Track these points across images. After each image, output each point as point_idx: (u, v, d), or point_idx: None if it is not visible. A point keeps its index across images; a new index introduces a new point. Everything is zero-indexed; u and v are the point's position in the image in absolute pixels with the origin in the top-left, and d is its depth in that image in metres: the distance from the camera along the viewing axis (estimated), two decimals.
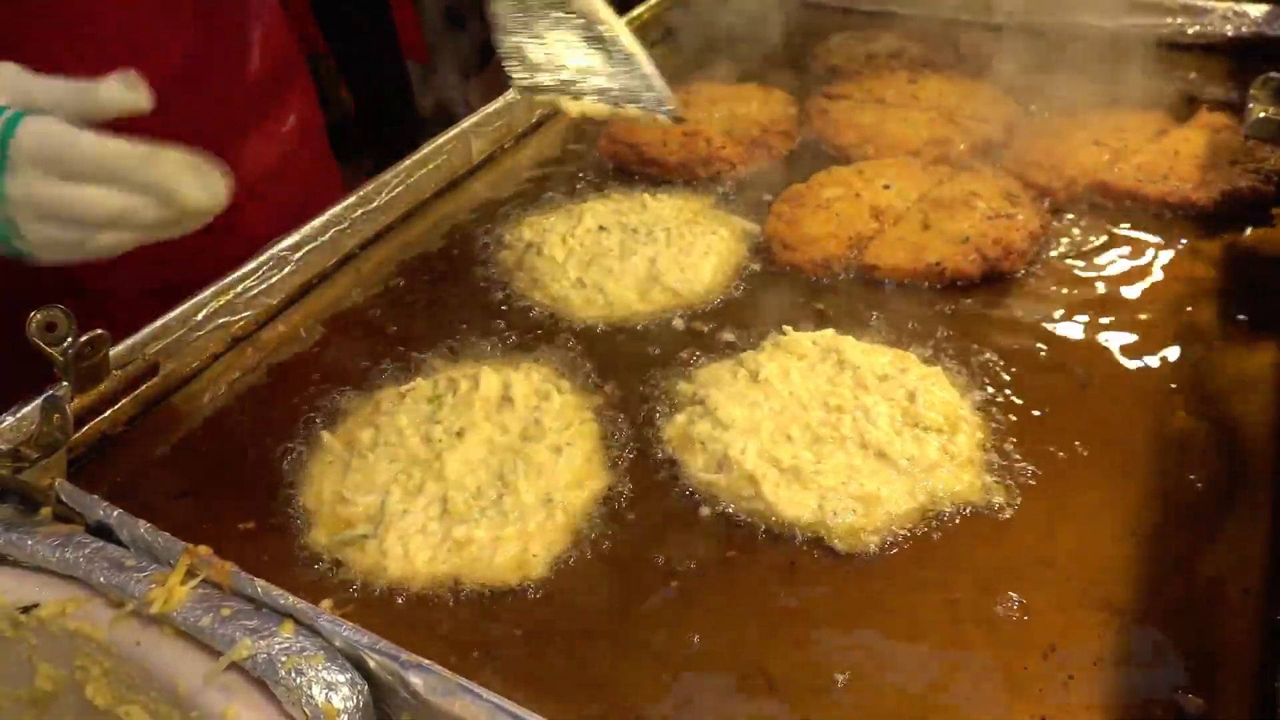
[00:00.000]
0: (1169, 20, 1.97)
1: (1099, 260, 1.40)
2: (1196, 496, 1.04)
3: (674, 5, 2.22)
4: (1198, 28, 1.96)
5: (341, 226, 1.46)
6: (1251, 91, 1.50)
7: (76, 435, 1.13)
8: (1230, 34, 1.94)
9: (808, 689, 0.87)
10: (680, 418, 1.16)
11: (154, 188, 0.91)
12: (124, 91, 0.94)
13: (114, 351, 1.17)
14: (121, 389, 1.19)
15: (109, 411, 1.18)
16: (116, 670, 0.91)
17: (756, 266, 1.43)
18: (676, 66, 2.04)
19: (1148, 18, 1.98)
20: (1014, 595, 0.94)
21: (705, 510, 1.05)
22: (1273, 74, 1.51)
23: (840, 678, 0.88)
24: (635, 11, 2.09)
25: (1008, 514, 1.03)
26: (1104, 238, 1.44)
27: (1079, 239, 1.44)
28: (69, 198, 0.91)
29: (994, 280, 1.36)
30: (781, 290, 1.38)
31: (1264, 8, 1.92)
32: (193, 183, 0.92)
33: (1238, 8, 1.94)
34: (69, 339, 1.08)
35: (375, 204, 1.51)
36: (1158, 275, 1.36)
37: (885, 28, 2.09)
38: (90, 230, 0.93)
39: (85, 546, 0.95)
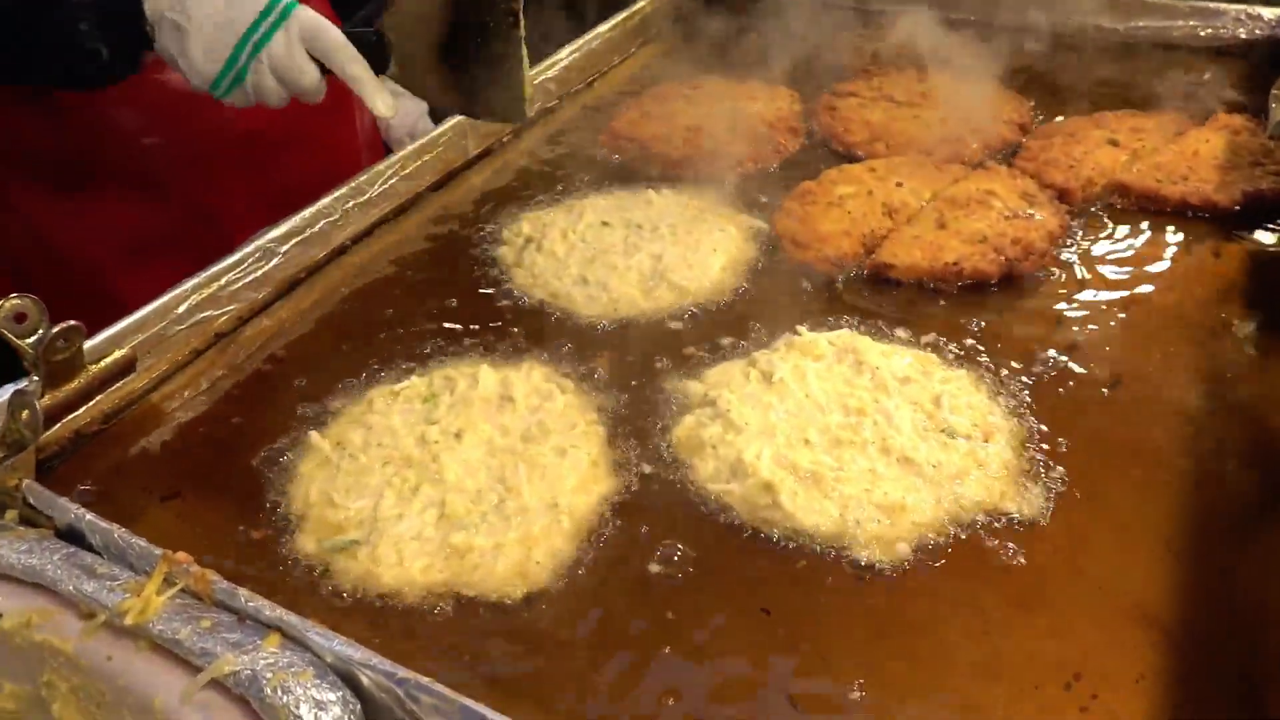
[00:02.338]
0: (1180, 23, 1.94)
1: (1119, 262, 1.35)
2: (1232, 507, 1.00)
3: (677, 3, 2.17)
4: (1210, 30, 1.92)
5: (332, 218, 1.40)
6: (1274, 92, 1.47)
7: (48, 434, 1.06)
8: (1244, 36, 1.90)
9: (829, 707, 0.81)
10: (689, 419, 1.10)
11: (355, 81, 1.28)
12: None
13: (89, 345, 1.10)
14: (96, 385, 1.12)
15: (83, 409, 1.11)
16: (86, 687, 0.85)
17: (766, 264, 1.37)
18: (679, 63, 1.99)
19: (1159, 20, 1.95)
20: (1047, 609, 0.89)
21: (719, 518, 0.99)
22: None
23: (861, 697, 0.82)
24: (639, 5, 2.04)
25: (1039, 524, 0.97)
26: (1124, 239, 1.40)
27: (1098, 240, 1.39)
28: (301, 63, 1.26)
29: (1012, 281, 1.31)
30: (793, 289, 1.32)
31: (1276, 11, 1.89)
32: (377, 94, 1.29)
33: (1250, 10, 1.90)
34: (40, 330, 1.02)
35: (368, 195, 1.45)
36: (1181, 278, 1.32)
37: (891, 26, 2.04)
38: (284, 93, 1.28)
39: (54, 552, 0.89)
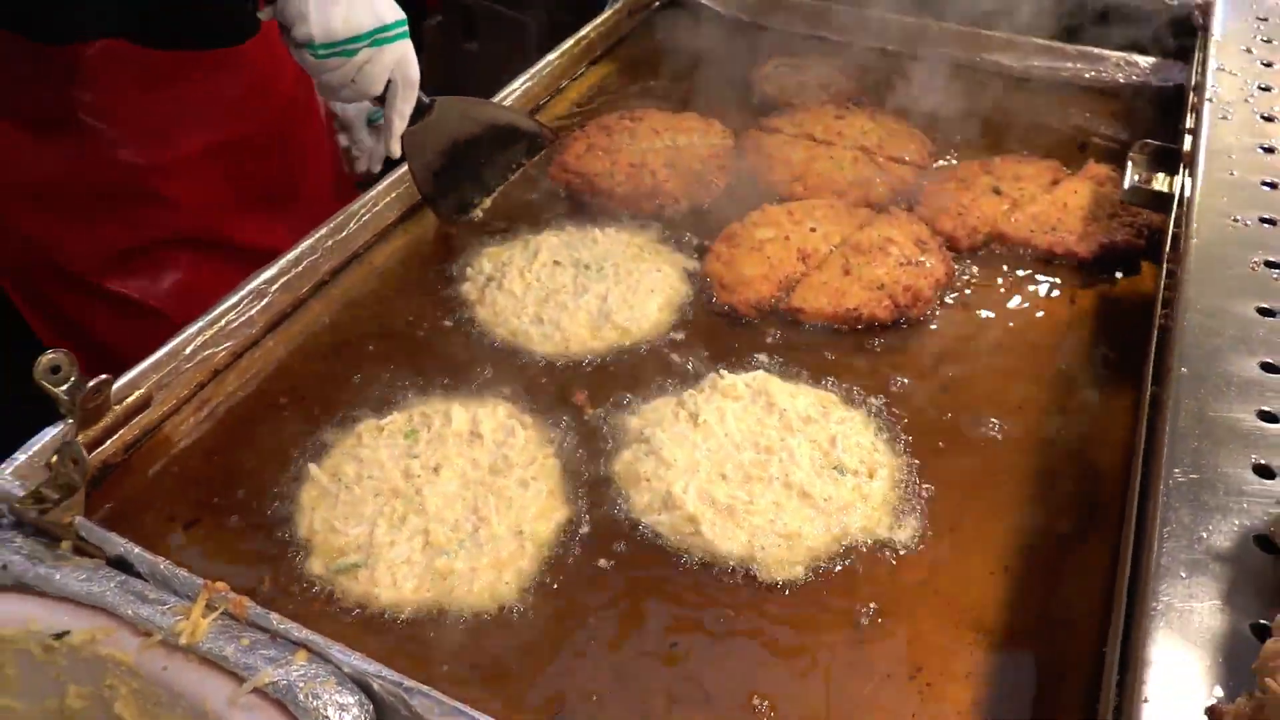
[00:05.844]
0: (1069, 65, 2.18)
1: (992, 305, 1.60)
2: (1057, 528, 1.26)
3: (619, 24, 2.33)
4: (1094, 73, 2.17)
5: (315, 257, 1.57)
6: (1130, 155, 1.72)
7: None
8: (1122, 80, 2.15)
9: (734, 700, 1.06)
10: (627, 454, 1.32)
11: (396, 117, 1.62)
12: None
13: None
14: (120, 422, 1.30)
15: (108, 442, 1.29)
16: (144, 690, 1.04)
17: (697, 305, 1.59)
18: (622, 86, 2.16)
19: (1050, 61, 2.18)
20: (906, 618, 1.14)
21: (651, 542, 1.22)
22: (1149, 140, 1.72)
23: (761, 696, 1.07)
24: (582, 32, 2.20)
25: (907, 549, 1.22)
26: (998, 284, 1.64)
27: (976, 285, 1.64)
28: (386, 75, 1.57)
29: (902, 323, 1.55)
30: (719, 329, 1.54)
31: (1151, 59, 2.14)
32: (395, 137, 1.65)
33: (1129, 57, 2.15)
34: (71, 379, 1.19)
35: (345, 233, 1.62)
36: (1042, 321, 1.57)
37: (817, 54, 2.24)
38: (352, 85, 1.55)
39: (110, 579, 1.07)
